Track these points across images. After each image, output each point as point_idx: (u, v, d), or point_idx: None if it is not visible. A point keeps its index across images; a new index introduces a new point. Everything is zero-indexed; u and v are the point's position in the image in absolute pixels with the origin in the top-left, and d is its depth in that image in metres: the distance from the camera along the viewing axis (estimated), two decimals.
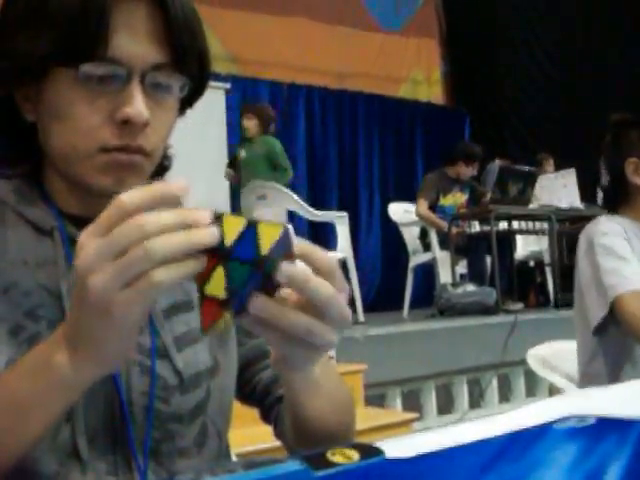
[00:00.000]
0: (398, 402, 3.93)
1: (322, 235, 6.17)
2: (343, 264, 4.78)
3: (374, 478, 0.48)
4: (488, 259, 5.59)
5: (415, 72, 9.10)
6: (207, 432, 0.86)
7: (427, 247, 5.84)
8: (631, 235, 1.80)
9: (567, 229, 6.11)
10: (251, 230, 0.56)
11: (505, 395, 4.47)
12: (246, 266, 0.57)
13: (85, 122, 0.77)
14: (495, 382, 4.38)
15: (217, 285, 0.57)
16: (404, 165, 8.61)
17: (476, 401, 4.31)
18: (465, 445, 0.51)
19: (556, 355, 2.09)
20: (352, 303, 4.63)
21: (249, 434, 1.90)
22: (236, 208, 5.47)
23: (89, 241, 0.58)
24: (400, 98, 8.81)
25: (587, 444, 0.51)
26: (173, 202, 0.57)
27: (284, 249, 0.58)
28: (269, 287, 0.59)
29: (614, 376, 1.79)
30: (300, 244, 0.60)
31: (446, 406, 4.21)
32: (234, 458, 1.00)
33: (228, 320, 0.58)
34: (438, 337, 4.34)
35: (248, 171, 5.49)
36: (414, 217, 5.85)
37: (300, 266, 0.59)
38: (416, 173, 8.47)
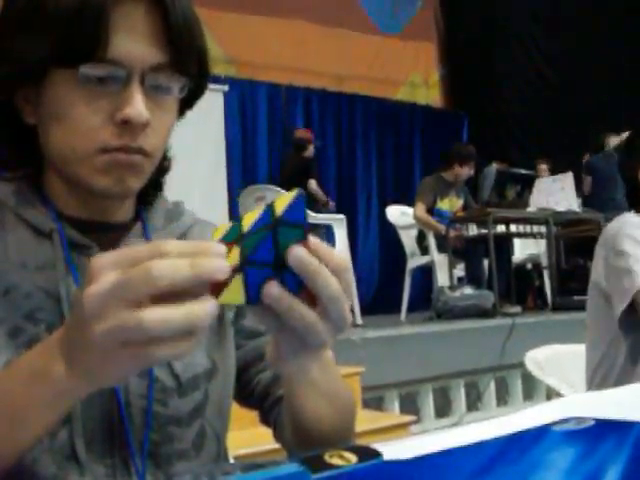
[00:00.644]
0: (396, 405, 3.92)
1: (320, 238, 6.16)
2: None
3: None
4: (486, 262, 5.59)
5: (413, 75, 9.12)
6: (205, 435, 0.86)
7: (425, 250, 5.84)
8: None
9: (565, 232, 6.12)
10: (270, 205, 0.58)
11: (503, 398, 4.47)
12: (260, 232, 0.58)
13: (85, 123, 0.77)
14: (493, 385, 4.38)
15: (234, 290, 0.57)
16: (402, 168, 8.62)
17: (474, 404, 4.31)
18: (463, 447, 0.51)
19: (554, 358, 2.09)
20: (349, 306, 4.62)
21: (247, 436, 1.90)
22: (234, 210, 5.47)
23: (105, 273, 0.55)
24: (398, 101, 8.82)
25: (586, 446, 0.51)
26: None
27: (297, 215, 0.58)
28: (291, 288, 0.59)
29: (630, 371, 1.77)
30: (315, 241, 0.59)
31: (444, 409, 4.20)
32: (232, 460, 1.00)
33: (237, 287, 0.58)
34: (436, 340, 4.34)
35: None
36: (412, 220, 5.85)
37: (313, 259, 0.58)
38: (414, 176, 8.48)
